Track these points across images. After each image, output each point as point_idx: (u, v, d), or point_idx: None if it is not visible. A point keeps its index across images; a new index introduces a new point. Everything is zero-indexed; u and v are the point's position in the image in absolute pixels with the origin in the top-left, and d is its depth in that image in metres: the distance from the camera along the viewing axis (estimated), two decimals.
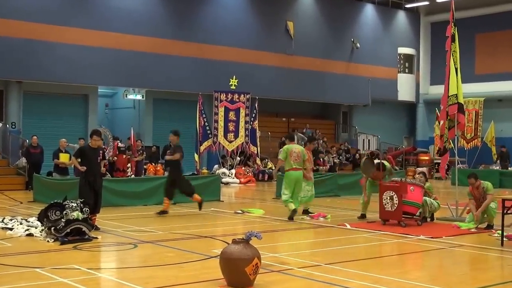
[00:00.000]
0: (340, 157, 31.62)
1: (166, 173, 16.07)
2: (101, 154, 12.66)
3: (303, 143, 29.54)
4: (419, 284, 8.04)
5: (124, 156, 21.71)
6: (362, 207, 14.82)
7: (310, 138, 16.21)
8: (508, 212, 11.33)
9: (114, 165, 21.67)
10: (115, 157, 21.88)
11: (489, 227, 12.94)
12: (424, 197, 13.97)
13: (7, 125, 24.71)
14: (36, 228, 11.88)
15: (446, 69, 15.05)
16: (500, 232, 11.37)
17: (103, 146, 13.80)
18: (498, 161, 30.73)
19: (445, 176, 15.95)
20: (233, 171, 26.49)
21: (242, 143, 25.30)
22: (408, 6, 38.74)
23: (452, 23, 15.02)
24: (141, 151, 23.58)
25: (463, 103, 15.29)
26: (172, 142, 15.37)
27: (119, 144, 21.85)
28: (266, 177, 27.67)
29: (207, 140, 24.47)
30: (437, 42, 36.03)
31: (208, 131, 24.57)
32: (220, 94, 25.12)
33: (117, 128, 29.28)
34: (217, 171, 25.81)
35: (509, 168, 29.50)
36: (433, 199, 14.24)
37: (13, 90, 25.05)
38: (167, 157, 15.19)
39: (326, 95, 34.56)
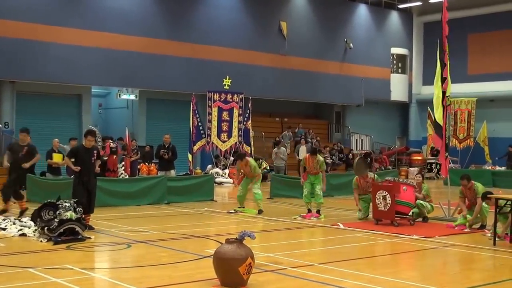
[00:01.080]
0: (333, 157, 31.59)
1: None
2: (95, 154, 12.63)
3: (289, 141, 29.70)
4: (412, 284, 8.06)
5: (115, 156, 21.63)
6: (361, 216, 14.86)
7: (313, 151, 16.10)
8: (501, 211, 11.39)
9: (105, 165, 21.58)
10: (105, 157, 21.76)
11: (482, 227, 12.99)
12: (418, 201, 14.07)
13: (0, 125, 24.62)
14: (29, 228, 11.85)
15: (445, 69, 15.08)
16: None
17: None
18: (505, 160, 30.45)
19: (447, 175, 16.01)
20: (227, 171, 26.46)
21: (236, 143, 25.27)
22: (401, 6, 38.79)
23: (445, 23, 15.12)
24: (135, 151, 23.53)
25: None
26: (23, 141, 13.97)
27: (111, 144, 21.77)
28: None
29: (201, 140, 24.43)
30: (430, 42, 36.10)
31: (202, 131, 24.53)
32: (214, 94, 25.07)
33: (110, 128, 29.24)
34: (210, 171, 25.78)
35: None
36: (427, 202, 14.31)
37: (6, 90, 24.97)
38: (26, 165, 13.83)
39: (320, 95, 34.58)
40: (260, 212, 15.84)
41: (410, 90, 39.51)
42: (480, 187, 13.13)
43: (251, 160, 16.44)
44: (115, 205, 16.67)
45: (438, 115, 15.20)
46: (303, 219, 14.67)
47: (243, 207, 16.17)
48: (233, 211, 15.88)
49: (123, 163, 22.54)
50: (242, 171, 16.12)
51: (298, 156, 28.14)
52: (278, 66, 32.13)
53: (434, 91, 15.38)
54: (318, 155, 15.47)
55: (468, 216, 13.11)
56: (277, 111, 34.68)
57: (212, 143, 24.76)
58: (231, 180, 26.07)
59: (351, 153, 33.12)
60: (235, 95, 25.32)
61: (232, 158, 27.50)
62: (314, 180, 15.21)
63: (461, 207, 13.51)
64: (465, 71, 36.19)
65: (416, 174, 16.36)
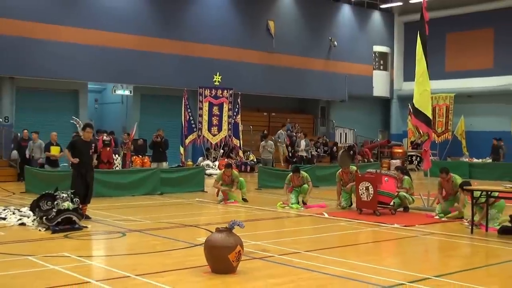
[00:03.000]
0: (318, 149, 31.63)
1: None
2: (93, 147, 12.56)
3: (279, 140, 29.63)
4: (393, 270, 8.08)
5: (108, 148, 21.50)
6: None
7: (295, 169, 15.98)
8: (477, 202, 11.44)
9: (99, 158, 21.43)
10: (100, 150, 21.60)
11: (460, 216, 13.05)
12: (401, 192, 14.13)
13: (0, 119, 24.48)
14: (28, 217, 11.80)
15: (427, 66, 15.08)
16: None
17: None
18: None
19: (427, 169, 16.07)
20: (217, 163, 26.43)
21: (225, 136, 25.22)
22: (382, 6, 38.80)
23: (426, 23, 15.13)
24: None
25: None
26: None
27: (104, 138, 21.64)
28: (248, 168, 27.67)
29: (192, 133, 24.34)
30: (410, 41, 36.10)
31: (193, 125, 24.45)
32: (205, 90, 24.99)
33: (106, 122, 29.14)
34: (201, 163, 25.74)
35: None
36: (409, 194, 14.39)
37: (6, 86, 24.81)
38: None
39: (306, 91, 34.57)
40: (244, 200, 15.94)
41: (391, 86, 39.54)
42: (458, 179, 13.20)
43: (234, 171, 16.57)
44: (110, 195, 16.64)
45: (429, 111, 15.11)
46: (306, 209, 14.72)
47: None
48: (223, 202, 15.86)
49: (117, 155, 22.44)
50: (221, 182, 16.12)
51: (300, 147, 28.08)
52: (266, 63, 32.10)
53: (423, 87, 15.10)
54: (301, 171, 15.50)
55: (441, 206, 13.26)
56: (265, 106, 34.65)
57: (203, 136, 24.69)
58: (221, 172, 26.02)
59: (336, 146, 33.19)
60: (225, 91, 25.26)
61: (222, 151, 27.51)
62: (300, 189, 15.34)
63: (438, 197, 13.59)
64: (443, 68, 36.24)
65: (396, 166, 16.38)
